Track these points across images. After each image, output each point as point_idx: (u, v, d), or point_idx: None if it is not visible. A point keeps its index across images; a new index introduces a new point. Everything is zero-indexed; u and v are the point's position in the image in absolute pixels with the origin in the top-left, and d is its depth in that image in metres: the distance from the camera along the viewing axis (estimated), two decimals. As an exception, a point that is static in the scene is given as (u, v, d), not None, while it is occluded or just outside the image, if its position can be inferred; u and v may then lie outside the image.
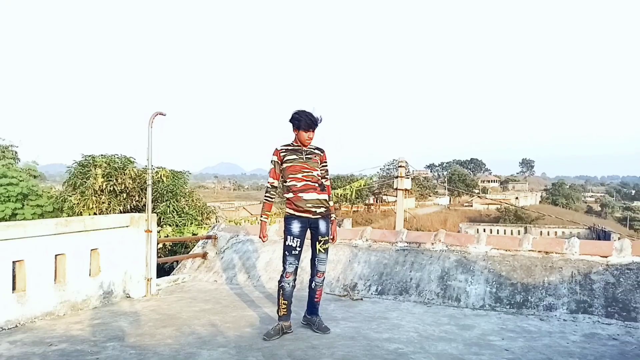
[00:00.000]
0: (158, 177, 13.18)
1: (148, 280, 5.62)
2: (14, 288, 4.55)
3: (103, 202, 12.94)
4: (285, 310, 4.16)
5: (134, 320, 4.67)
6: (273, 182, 4.15)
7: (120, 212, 13.09)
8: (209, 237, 7.28)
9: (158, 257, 10.80)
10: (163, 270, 9.17)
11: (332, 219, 4.25)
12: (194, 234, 12.19)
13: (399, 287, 5.56)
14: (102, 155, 13.84)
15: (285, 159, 4.10)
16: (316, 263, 4.21)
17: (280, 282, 4.16)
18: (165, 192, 13.76)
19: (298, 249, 4.08)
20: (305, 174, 4.07)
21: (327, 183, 4.23)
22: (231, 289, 6.00)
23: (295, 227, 4.07)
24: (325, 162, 4.23)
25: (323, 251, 4.15)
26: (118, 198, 13.17)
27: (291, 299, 4.18)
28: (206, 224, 13.17)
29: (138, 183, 13.23)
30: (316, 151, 4.19)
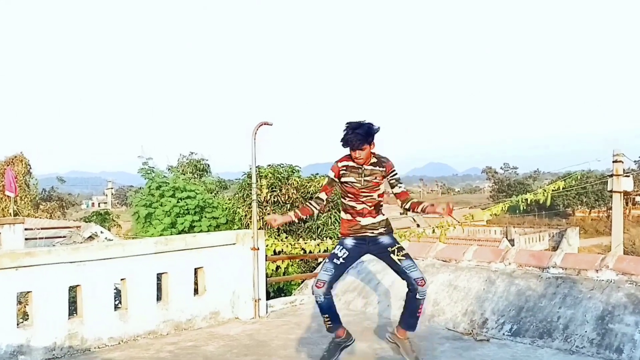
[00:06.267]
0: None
1: (256, 301, 5.60)
2: (118, 307, 4.96)
3: (267, 213, 13.78)
4: (329, 322, 3.96)
5: (223, 346, 4.67)
6: (320, 195, 3.99)
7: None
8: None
9: (289, 274, 10.80)
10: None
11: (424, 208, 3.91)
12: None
13: (540, 328, 4.48)
14: (269, 165, 14.74)
15: (343, 178, 3.92)
16: (406, 272, 3.86)
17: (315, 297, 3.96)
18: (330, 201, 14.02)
19: (341, 260, 3.88)
20: (365, 197, 3.92)
21: (402, 189, 4.01)
22: (343, 315, 5.60)
23: (349, 241, 3.95)
24: (393, 170, 3.94)
25: (404, 258, 3.88)
26: (282, 208, 13.88)
27: (332, 309, 3.93)
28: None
29: (302, 193, 13.73)
30: (377, 168, 3.90)
